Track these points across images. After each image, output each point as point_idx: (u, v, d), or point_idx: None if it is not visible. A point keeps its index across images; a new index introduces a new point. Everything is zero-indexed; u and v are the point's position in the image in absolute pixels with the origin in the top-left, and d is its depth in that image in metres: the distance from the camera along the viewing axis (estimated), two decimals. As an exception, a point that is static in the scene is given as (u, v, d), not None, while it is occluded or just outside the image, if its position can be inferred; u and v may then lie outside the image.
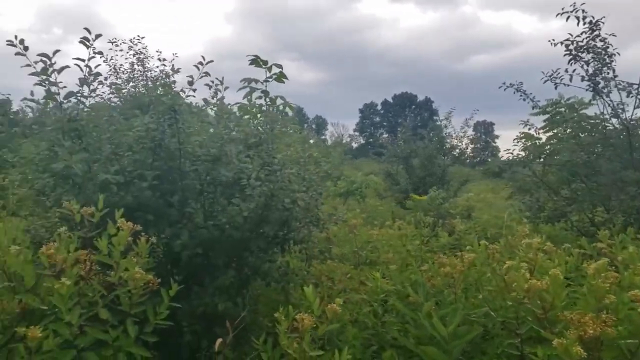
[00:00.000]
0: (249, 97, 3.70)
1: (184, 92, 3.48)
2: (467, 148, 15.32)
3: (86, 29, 3.02)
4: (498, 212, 9.02)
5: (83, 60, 3.15)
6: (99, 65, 3.55)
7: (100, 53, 3.07)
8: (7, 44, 3.10)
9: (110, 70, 8.44)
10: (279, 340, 2.60)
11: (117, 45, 8.58)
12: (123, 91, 7.51)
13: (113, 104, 5.81)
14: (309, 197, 3.54)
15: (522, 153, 7.01)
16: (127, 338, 2.52)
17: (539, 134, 6.97)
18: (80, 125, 3.31)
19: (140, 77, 8.40)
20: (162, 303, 2.67)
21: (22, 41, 3.15)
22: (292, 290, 3.74)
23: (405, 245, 4.55)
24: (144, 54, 8.45)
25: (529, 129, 6.96)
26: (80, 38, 3.03)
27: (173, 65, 3.49)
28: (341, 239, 5.74)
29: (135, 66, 8.36)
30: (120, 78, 8.27)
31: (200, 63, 3.46)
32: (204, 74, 3.51)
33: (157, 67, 8.28)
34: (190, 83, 3.44)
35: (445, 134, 14.45)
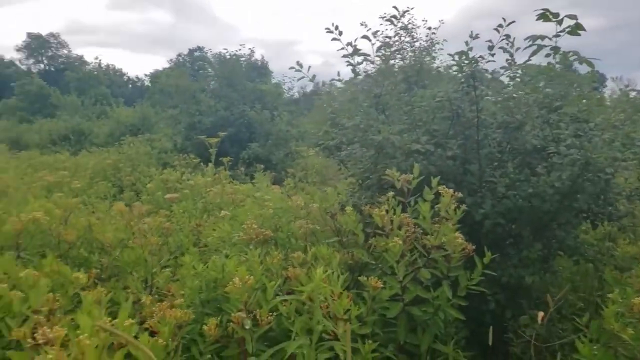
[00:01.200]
0: (551, 57, 3.52)
1: (483, 58, 3.52)
2: None
3: (394, 7, 3.33)
4: None
5: (390, 38, 3.49)
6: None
7: (405, 28, 3.35)
8: (326, 32, 3.66)
9: (382, 44, 9.03)
10: (605, 322, 2.48)
11: (386, 20, 9.11)
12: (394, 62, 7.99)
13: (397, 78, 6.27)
14: (633, 166, 3.20)
15: None
16: (444, 299, 2.78)
17: None
18: (384, 99, 3.69)
19: (409, 49, 8.73)
20: (474, 269, 2.84)
21: (337, 27, 3.67)
22: (606, 270, 3.47)
23: None
24: (413, 24, 8.75)
25: None
26: (389, 16, 3.36)
27: (472, 32, 3.51)
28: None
29: (402, 37, 8.74)
30: (388, 51, 8.81)
31: (500, 26, 3.43)
32: (504, 37, 3.47)
33: (427, 35, 8.51)
34: (490, 48, 3.45)
35: None
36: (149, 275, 3.13)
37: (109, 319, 1.36)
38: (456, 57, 3.39)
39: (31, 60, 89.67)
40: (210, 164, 7.84)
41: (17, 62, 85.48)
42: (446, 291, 2.73)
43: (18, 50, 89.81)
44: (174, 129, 14.22)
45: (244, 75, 14.79)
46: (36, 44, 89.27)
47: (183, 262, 2.94)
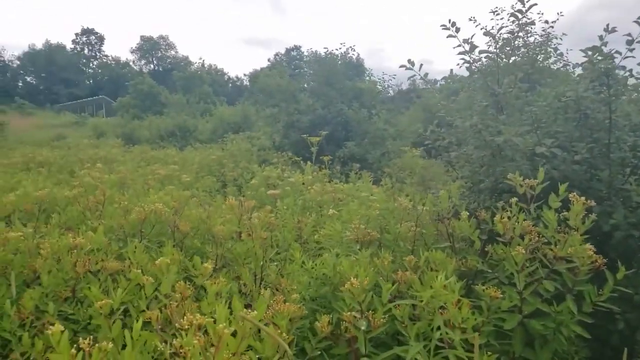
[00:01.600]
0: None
1: (620, 54, 3.23)
2: None
3: (520, 0, 3.16)
4: None
5: (512, 33, 3.32)
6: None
7: (532, 23, 3.18)
8: (442, 28, 3.56)
9: (490, 40, 8.67)
10: None
11: (497, 14, 8.74)
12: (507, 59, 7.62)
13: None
14: None
15: None
16: (567, 314, 2.59)
17: None
18: (502, 98, 3.52)
19: (522, 45, 8.32)
20: (601, 284, 2.62)
21: (453, 24, 3.56)
22: None
23: None
24: (527, 18, 8.30)
25: None
26: (513, 11, 3.20)
27: (607, 25, 3.22)
28: None
29: (516, 33, 8.32)
30: (498, 48, 8.41)
31: (643, 18, 3.13)
32: (645, 30, 3.15)
33: (543, 29, 8.03)
34: (629, 42, 3.16)
35: None
36: (258, 268, 3.24)
37: (247, 311, 1.42)
38: (589, 53, 3.14)
39: (143, 61, 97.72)
40: (309, 162, 8.01)
41: (131, 63, 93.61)
42: (571, 306, 2.55)
43: (132, 52, 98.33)
44: (272, 127, 14.69)
45: (343, 74, 14.89)
46: (148, 46, 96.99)
47: (293, 257, 3.01)
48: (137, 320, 1.65)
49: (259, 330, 1.74)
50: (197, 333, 1.38)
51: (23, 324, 2.34)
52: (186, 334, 1.42)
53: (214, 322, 1.39)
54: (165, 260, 2.27)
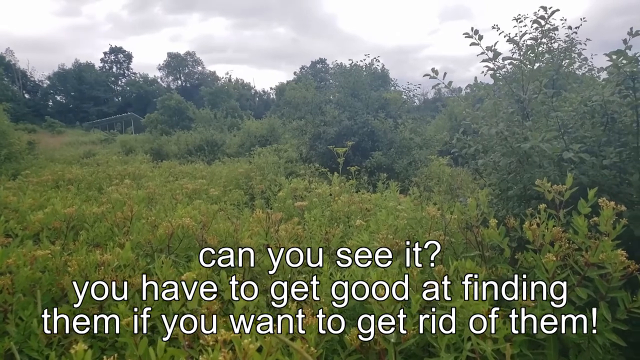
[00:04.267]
0: None
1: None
2: None
3: (543, 7, 3.17)
4: None
5: (536, 40, 3.33)
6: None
7: (556, 29, 3.18)
8: (465, 37, 3.59)
9: (514, 47, 8.64)
10: None
11: (520, 21, 8.71)
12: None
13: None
14: None
15: None
16: (601, 322, 2.55)
17: None
18: (527, 104, 3.51)
19: (545, 51, 8.27)
20: (634, 291, 2.58)
21: (476, 32, 3.59)
22: None
23: None
24: (550, 25, 8.27)
25: None
26: (536, 17, 3.21)
27: (631, 28, 3.19)
28: None
29: (542, 40, 8.30)
30: (522, 55, 8.36)
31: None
32: (673, 31, 3.12)
33: (567, 35, 7.96)
34: (656, 44, 3.12)
35: None
36: (287, 280, 3.28)
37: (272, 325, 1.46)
38: (613, 57, 3.12)
39: (170, 78, 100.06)
40: (336, 173, 8.06)
41: (159, 80, 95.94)
42: (605, 313, 2.51)
43: (160, 69, 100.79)
44: (299, 139, 14.79)
45: (368, 85, 14.93)
46: (175, 63, 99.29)
47: (322, 270, 3.04)
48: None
49: (287, 345, 1.78)
50: (224, 349, 1.41)
51: (50, 343, 2.34)
52: (213, 350, 1.45)
53: (241, 337, 1.41)
54: (191, 275, 2.32)
